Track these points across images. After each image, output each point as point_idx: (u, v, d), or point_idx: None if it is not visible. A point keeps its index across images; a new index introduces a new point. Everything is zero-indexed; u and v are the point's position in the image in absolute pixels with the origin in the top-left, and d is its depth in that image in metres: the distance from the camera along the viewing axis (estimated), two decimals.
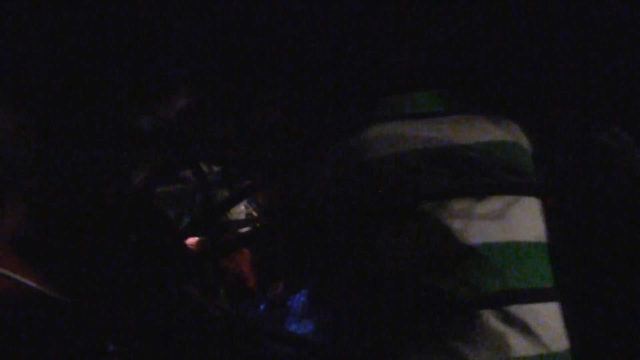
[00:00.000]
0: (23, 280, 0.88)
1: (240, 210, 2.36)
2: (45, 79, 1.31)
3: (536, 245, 1.03)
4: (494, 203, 1.00)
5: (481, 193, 0.99)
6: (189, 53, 1.44)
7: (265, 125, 1.53)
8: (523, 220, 1.03)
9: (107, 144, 1.49)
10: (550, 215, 1.09)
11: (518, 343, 0.93)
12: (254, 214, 2.32)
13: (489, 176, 1.02)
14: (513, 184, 1.02)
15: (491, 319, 0.93)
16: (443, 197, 0.98)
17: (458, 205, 0.98)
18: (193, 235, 2.12)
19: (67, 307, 0.91)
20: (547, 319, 0.98)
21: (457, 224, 0.97)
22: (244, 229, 2.27)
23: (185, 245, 2.03)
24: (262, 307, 2.12)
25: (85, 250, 1.33)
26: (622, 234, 1.20)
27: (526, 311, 0.95)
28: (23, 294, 0.88)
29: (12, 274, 0.88)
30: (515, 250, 0.99)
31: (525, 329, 0.94)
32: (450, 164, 1.01)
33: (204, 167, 2.09)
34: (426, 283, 0.94)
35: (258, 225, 2.24)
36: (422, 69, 1.18)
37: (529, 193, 1.04)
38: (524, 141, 1.11)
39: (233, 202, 2.22)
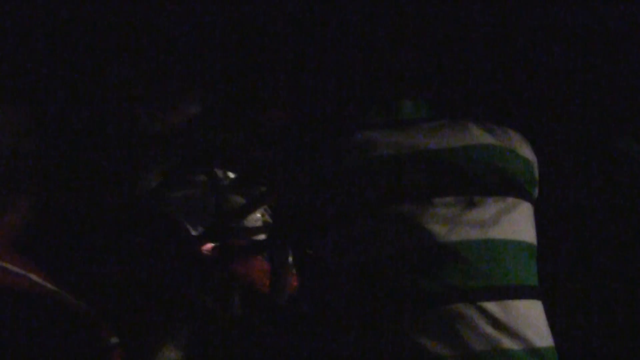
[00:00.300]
0: (27, 274, 0.90)
1: (257, 218, 2.37)
2: (55, 80, 1.35)
3: (523, 245, 1.03)
4: (477, 204, 1.01)
5: (459, 193, 1.01)
6: (202, 60, 1.47)
7: (272, 129, 1.55)
8: (510, 221, 1.03)
9: (118, 146, 1.52)
10: (541, 218, 1.09)
11: (498, 337, 0.93)
12: (270, 221, 2.33)
13: (470, 178, 1.03)
14: (492, 186, 1.03)
15: (471, 313, 0.93)
16: (418, 197, 1.00)
17: (438, 205, 1.00)
18: (208, 241, 2.14)
19: (70, 303, 0.93)
20: (530, 316, 0.98)
21: (436, 223, 0.98)
22: (258, 236, 2.29)
23: (199, 251, 2.05)
24: (275, 313, 2.13)
25: (89, 251, 1.37)
26: (626, 238, 1.18)
27: (508, 308, 0.96)
28: (27, 289, 0.90)
29: (16, 269, 0.90)
30: (498, 248, 1.00)
31: (504, 324, 0.94)
32: (430, 167, 1.03)
33: (220, 174, 2.12)
34: (403, 280, 0.95)
35: (270, 232, 2.25)
36: (420, 75, 1.19)
37: (514, 195, 1.04)
38: (519, 146, 1.11)
39: (248, 209, 2.24)
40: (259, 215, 2.36)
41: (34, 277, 0.91)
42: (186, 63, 1.47)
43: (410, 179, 1.02)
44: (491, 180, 1.04)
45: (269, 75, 1.45)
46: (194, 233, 2.10)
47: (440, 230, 0.98)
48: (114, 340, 0.96)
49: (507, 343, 0.93)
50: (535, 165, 1.15)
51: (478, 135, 1.09)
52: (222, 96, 1.58)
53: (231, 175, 2.20)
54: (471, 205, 1.01)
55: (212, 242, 2.13)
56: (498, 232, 1.01)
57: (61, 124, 1.37)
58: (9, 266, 0.90)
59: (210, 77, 1.52)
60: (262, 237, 2.30)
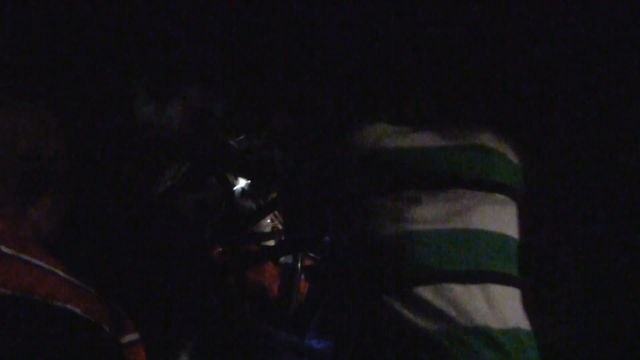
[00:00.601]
0: (52, 269, 0.91)
1: (267, 223, 2.38)
2: (76, 82, 1.37)
3: (496, 235, 1.10)
4: (455, 197, 1.10)
5: (438, 188, 1.10)
6: (206, 61, 1.50)
7: (278, 132, 1.58)
8: (489, 214, 1.11)
9: (134, 150, 1.54)
10: (527, 215, 1.17)
11: (480, 315, 1.00)
12: (280, 227, 2.34)
13: (452, 173, 1.11)
14: (475, 182, 1.11)
15: (453, 292, 1.01)
16: (390, 191, 1.09)
17: (412, 196, 1.09)
18: (218, 245, 2.15)
19: (95, 297, 0.94)
20: (506, 300, 1.06)
21: (419, 216, 1.07)
22: (268, 242, 2.30)
23: (211, 255, 2.06)
24: (284, 319, 2.13)
25: (101, 250, 1.38)
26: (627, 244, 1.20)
27: (487, 290, 1.03)
28: (52, 283, 0.91)
29: (42, 263, 0.91)
30: (475, 237, 1.07)
31: (486, 305, 1.01)
32: (417, 162, 1.12)
33: (231, 178, 2.13)
34: (388, 263, 1.05)
35: (281, 238, 2.26)
36: (425, 76, 1.23)
37: (497, 192, 1.12)
38: (508, 149, 1.19)
39: (259, 214, 2.25)
40: (268, 220, 2.37)
41: (58, 271, 0.92)
42: (190, 64, 1.49)
43: (406, 171, 1.11)
44: (474, 177, 1.12)
45: (273, 78, 1.48)
46: (205, 236, 2.11)
47: (423, 219, 1.07)
48: (136, 335, 0.96)
49: (489, 321, 1.00)
50: (520, 168, 1.22)
51: (472, 136, 1.17)
52: (229, 99, 1.60)
53: (242, 179, 2.22)
54: (448, 198, 1.10)
55: (223, 246, 2.15)
56: (476, 223, 1.09)
57: (75, 125, 1.38)
58: (35, 260, 0.91)
59: (215, 79, 1.54)
60: (271, 242, 2.31)
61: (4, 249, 0.90)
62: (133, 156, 1.63)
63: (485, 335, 0.99)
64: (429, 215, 1.07)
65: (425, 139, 1.15)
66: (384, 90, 1.27)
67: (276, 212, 2.29)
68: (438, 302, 0.99)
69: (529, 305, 1.12)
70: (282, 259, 2.25)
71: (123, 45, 1.43)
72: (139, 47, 1.45)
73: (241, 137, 1.74)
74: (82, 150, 1.37)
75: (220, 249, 2.15)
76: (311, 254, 2.20)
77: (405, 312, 1.00)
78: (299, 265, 2.15)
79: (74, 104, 1.42)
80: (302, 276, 2.17)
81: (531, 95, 1.34)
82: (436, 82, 1.29)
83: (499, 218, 1.13)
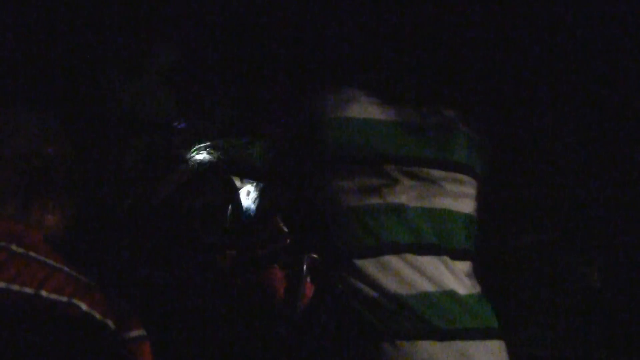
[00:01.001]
0: (62, 268, 0.93)
1: (272, 225, 2.38)
2: (73, 81, 1.40)
3: (459, 214, 1.18)
4: (420, 174, 1.17)
5: (398, 162, 1.17)
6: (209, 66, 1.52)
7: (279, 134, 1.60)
8: (452, 193, 1.17)
9: (138, 153, 1.56)
10: (484, 195, 1.24)
11: (445, 281, 1.08)
12: (285, 229, 2.34)
13: (412, 152, 1.18)
14: (433, 159, 1.18)
15: (419, 262, 1.09)
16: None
17: (377, 172, 1.16)
18: (223, 249, 2.16)
19: (104, 295, 0.96)
20: (465, 271, 1.15)
21: (375, 188, 1.15)
22: (274, 245, 2.30)
23: (215, 258, 2.07)
24: (288, 323, 2.13)
25: (114, 248, 1.40)
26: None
27: (448, 263, 1.12)
28: (63, 281, 0.93)
29: (53, 262, 0.93)
30: (442, 215, 1.15)
31: (448, 273, 1.10)
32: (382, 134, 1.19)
33: (237, 182, 2.15)
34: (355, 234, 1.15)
35: (287, 241, 2.26)
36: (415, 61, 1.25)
37: (460, 172, 1.19)
38: (477, 132, 1.26)
39: (265, 217, 2.26)
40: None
41: (65, 268, 0.94)
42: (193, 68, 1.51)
43: (372, 146, 1.17)
44: (438, 157, 1.19)
45: (272, 79, 1.49)
46: (210, 240, 2.13)
47: (391, 195, 1.14)
48: (141, 332, 0.98)
49: (455, 287, 1.09)
50: (488, 149, 1.28)
51: (443, 117, 1.24)
52: (232, 102, 1.62)
53: (247, 182, 2.23)
54: (412, 175, 1.16)
55: (228, 250, 2.16)
56: (437, 201, 1.16)
57: (76, 124, 1.40)
58: (43, 258, 0.93)
59: (217, 81, 1.56)
60: (276, 245, 2.31)
61: (15, 248, 0.92)
62: (135, 156, 1.64)
63: (453, 298, 1.08)
64: (397, 191, 1.14)
65: (394, 114, 1.21)
66: (373, 67, 1.30)
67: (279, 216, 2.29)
68: (407, 270, 1.09)
69: (528, 302, 1.15)
70: (287, 261, 2.25)
71: (120, 43, 1.45)
72: (136, 46, 1.47)
73: (245, 139, 1.76)
74: (84, 149, 1.39)
75: (226, 252, 2.16)
76: (317, 256, 2.20)
77: (378, 277, 1.09)
78: (305, 267, 2.15)
79: (73, 104, 1.43)
80: (308, 278, 2.18)
81: (532, 94, 1.35)
82: (433, 70, 1.31)
83: (459, 197, 1.19)
